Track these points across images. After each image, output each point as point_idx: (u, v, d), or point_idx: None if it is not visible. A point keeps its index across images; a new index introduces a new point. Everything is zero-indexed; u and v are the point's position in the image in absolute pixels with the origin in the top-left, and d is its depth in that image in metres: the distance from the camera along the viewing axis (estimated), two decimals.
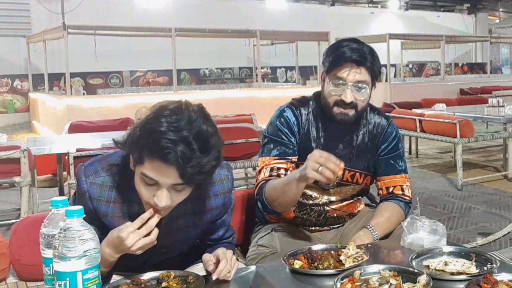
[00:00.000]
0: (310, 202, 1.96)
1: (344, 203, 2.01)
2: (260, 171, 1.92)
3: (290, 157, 1.91)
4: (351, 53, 1.83)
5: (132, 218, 1.38)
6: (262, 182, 1.89)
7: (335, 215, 2.01)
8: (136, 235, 1.33)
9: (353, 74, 1.83)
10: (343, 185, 1.97)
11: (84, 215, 1.25)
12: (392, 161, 2.00)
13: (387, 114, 2.14)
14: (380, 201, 2.04)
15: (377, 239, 1.84)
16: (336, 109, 1.87)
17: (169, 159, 1.25)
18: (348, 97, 1.83)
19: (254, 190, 1.95)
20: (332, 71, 1.86)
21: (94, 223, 1.39)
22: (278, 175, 1.88)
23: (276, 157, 1.91)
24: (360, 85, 1.84)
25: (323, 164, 1.55)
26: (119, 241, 1.34)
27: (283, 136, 1.92)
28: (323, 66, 1.91)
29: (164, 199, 1.32)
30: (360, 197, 2.08)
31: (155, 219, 1.35)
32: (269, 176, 1.89)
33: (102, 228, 1.46)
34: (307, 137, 1.94)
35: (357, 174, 1.98)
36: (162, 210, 1.36)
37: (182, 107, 1.31)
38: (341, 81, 1.84)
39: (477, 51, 20.94)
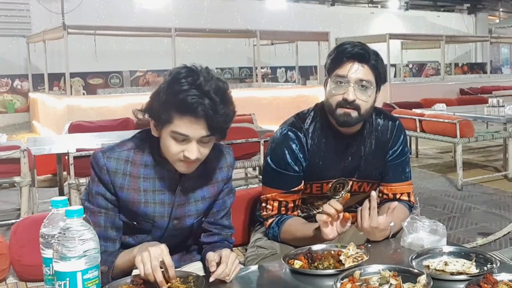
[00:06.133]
0: (316, 211, 1.94)
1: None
2: (266, 202, 1.88)
3: (295, 188, 1.86)
4: (352, 48, 1.77)
5: (145, 192, 1.57)
6: (273, 220, 1.87)
7: None
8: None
9: (355, 70, 1.74)
10: (350, 194, 1.94)
11: (100, 196, 1.50)
12: (400, 168, 1.96)
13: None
14: (384, 202, 1.97)
15: (391, 227, 1.73)
16: (339, 110, 1.77)
17: (198, 112, 1.42)
18: (351, 95, 1.74)
19: (264, 223, 1.92)
20: (334, 70, 1.78)
21: (109, 204, 1.55)
22: (287, 210, 1.87)
23: (282, 191, 1.86)
24: (363, 83, 1.75)
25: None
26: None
27: (288, 168, 1.83)
28: (325, 69, 1.84)
29: (195, 151, 1.48)
30: None
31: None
32: (277, 213, 1.87)
33: (115, 208, 1.58)
34: (315, 156, 1.86)
35: (365, 184, 1.94)
36: (192, 164, 1.51)
37: (193, 69, 1.48)
38: (343, 79, 1.75)
39: (477, 51, 20.93)
